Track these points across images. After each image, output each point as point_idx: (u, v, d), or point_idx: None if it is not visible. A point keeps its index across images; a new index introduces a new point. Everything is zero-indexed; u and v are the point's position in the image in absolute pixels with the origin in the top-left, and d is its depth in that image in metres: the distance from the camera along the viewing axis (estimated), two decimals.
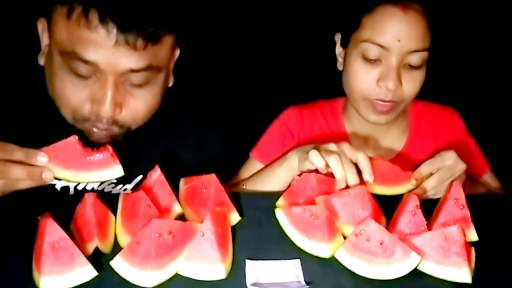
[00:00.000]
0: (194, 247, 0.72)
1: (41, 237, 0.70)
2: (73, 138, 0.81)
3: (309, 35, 1.91)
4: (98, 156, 0.80)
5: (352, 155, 0.90)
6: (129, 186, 1.05)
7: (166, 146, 1.09)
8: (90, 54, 0.83)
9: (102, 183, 1.03)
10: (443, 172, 0.91)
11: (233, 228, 0.81)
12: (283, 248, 0.79)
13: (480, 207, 0.83)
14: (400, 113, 1.10)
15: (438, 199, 0.85)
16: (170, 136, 1.10)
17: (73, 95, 0.88)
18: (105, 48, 0.83)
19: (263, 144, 1.21)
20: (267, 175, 1.03)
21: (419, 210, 0.79)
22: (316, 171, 0.90)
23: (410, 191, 0.90)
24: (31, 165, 0.78)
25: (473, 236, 0.80)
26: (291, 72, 2.07)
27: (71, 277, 0.69)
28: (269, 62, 2.07)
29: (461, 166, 0.92)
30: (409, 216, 0.79)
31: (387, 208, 0.84)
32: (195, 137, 1.13)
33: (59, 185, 0.99)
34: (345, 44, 1.10)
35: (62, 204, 0.80)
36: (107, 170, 0.80)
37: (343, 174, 0.87)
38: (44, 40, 0.93)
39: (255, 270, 0.74)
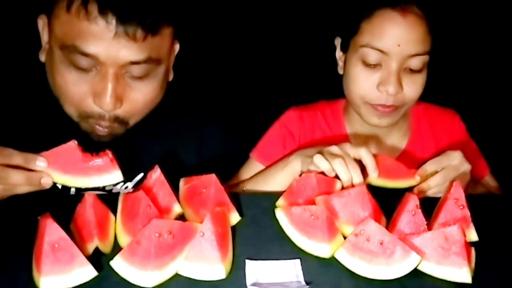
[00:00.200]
0: (194, 247, 0.72)
1: (41, 237, 0.69)
2: (73, 143, 0.81)
3: (311, 35, 1.91)
4: (98, 161, 0.80)
5: (355, 153, 0.90)
6: (130, 185, 1.06)
7: (166, 144, 1.09)
8: (90, 47, 0.84)
9: None
10: (448, 171, 0.91)
11: (233, 228, 0.81)
12: (283, 248, 0.79)
13: (480, 207, 0.83)
14: (401, 115, 1.10)
15: (438, 199, 0.85)
16: (170, 135, 1.10)
17: (74, 89, 0.89)
18: (105, 40, 0.83)
19: (264, 145, 1.21)
20: (267, 178, 1.03)
21: (419, 210, 0.79)
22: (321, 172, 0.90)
23: (413, 187, 0.90)
24: (30, 169, 0.78)
25: (473, 236, 0.80)
26: (292, 71, 2.07)
27: (71, 277, 0.69)
28: (270, 60, 2.08)
29: (466, 167, 0.92)
30: (409, 216, 0.79)
31: (387, 208, 0.84)
32: (196, 135, 1.13)
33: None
34: (345, 49, 1.10)
35: (62, 204, 0.80)
36: (106, 176, 0.80)
37: (349, 176, 0.87)
38: (45, 36, 0.94)
39: (255, 270, 0.74)
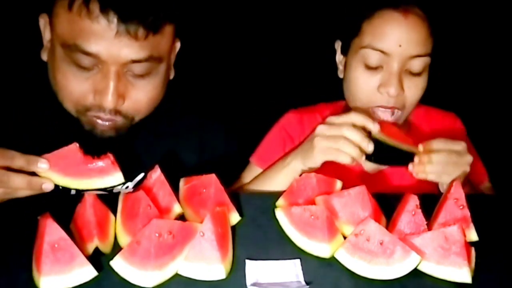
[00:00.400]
0: (194, 247, 0.72)
1: (41, 237, 0.70)
2: (74, 146, 0.81)
3: (312, 35, 1.91)
4: (99, 163, 0.80)
5: (346, 120, 0.93)
6: (130, 185, 1.06)
7: (167, 144, 1.09)
8: (92, 46, 0.84)
9: None
10: (451, 154, 0.92)
11: (233, 228, 0.81)
12: (283, 248, 0.79)
13: (480, 207, 0.83)
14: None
15: (438, 199, 0.85)
16: (171, 134, 1.10)
17: (75, 88, 0.89)
18: (106, 39, 0.84)
19: (263, 149, 1.20)
20: (267, 181, 1.03)
21: (419, 210, 0.79)
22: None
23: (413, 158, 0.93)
24: (31, 172, 0.78)
25: (473, 236, 0.80)
26: (292, 70, 2.07)
27: (71, 277, 0.69)
28: (270, 60, 2.07)
29: (468, 158, 0.93)
30: (409, 216, 0.79)
31: (387, 208, 0.84)
32: (196, 135, 1.13)
33: None
34: (345, 51, 1.09)
35: (62, 204, 0.80)
36: (107, 178, 0.81)
37: (358, 151, 0.91)
38: (46, 35, 0.94)
39: (255, 270, 0.74)
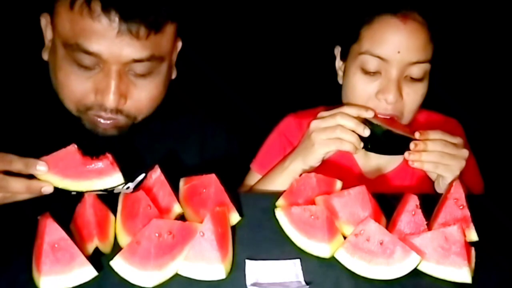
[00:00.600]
0: (194, 247, 0.72)
1: (41, 237, 0.70)
2: (72, 147, 0.81)
3: (313, 39, 1.90)
4: (98, 164, 0.80)
5: (339, 115, 0.95)
6: (131, 185, 1.06)
7: (168, 144, 1.10)
8: (93, 45, 0.84)
9: None
10: (448, 145, 0.92)
11: (233, 228, 0.81)
12: (283, 248, 0.79)
13: (480, 207, 0.83)
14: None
15: (438, 199, 0.85)
16: (172, 135, 1.10)
17: (77, 87, 0.89)
18: (108, 38, 0.84)
19: (263, 156, 1.19)
20: (268, 186, 1.03)
21: (419, 210, 0.79)
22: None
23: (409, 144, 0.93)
24: (30, 175, 0.78)
25: (473, 236, 0.79)
26: (293, 70, 2.07)
27: (71, 277, 0.69)
28: (271, 60, 2.07)
29: (464, 152, 0.93)
30: (409, 216, 0.79)
31: (387, 208, 0.84)
32: (197, 135, 1.13)
33: None
34: (344, 57, 1.08)
35: (62, 204, 0.80)
36: (107, 178, 0.81)
37: (356, 136, 0.94)
38: (48, 35, 0.94)
39: (255, 270, 0.74)
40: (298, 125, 1.19)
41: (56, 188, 0.81)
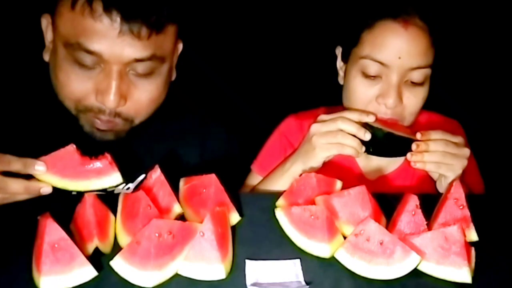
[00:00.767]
0: (194, 247, 0.72)
1: (41, 237, 0.70)
2: (71, 147, 0.81)
3: (314, 39, 1.90)
4: (97, 164, 0.80)
5: (340, 119, 0.95)
6: (131, 185, 1.06)
7: (168, 145, 1.10)
8: (94, 45, 0.84)
9: None
10: (449, 144, 0.92)
11: (233, 228, 0.81)
12: (283, 248, 0.79)
13: (480, 207, 0.83)
14: None
15: (438, 199, 0.85)
16: (172, 136, 1.10)
17: (77, 87, 0.89)
18: (109, 38, 0.84)
19: (264, 157, 1.19)
20: (268, 188, 1.03)
21: (419, 210, 0.79)
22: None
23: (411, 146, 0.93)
24: (29, 175, 0.78)
25: (473, 236, 0.79)
26: (293, 70, 2.07)
27: (71, 277, 0.69)
28: (272, 60, 2.07)
29: (466, 150, 0.93)
30: (409, 216, 0.79)
31: (387, 208, 0.84)
32: (198, 136, 1.13)
33: None
34: (345, 59, 1.08)
35: (62, 204, 0.80)
36: (105, 178, 0.81)
37: (357, 141, 0.94)
38: (48, 36, 0.94)
39: (255, 270, 0.74)
40: (299, 126, 1.19)
41: (55, 188, 0.81)
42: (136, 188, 1.02)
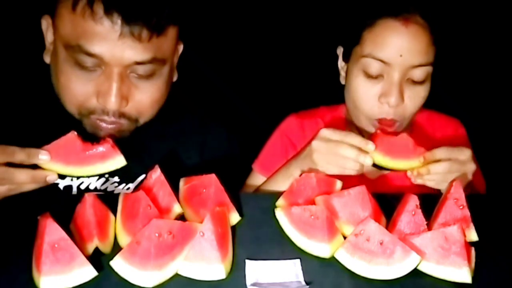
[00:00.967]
0: (194, 247, 0.72)
1: (41, 237, 0.70)
2: (72, 134, 0.81)
3: (315, 38, 1.91)
4: (99, 148, 0.81)
5: (342, 145, 0.92)
6: (131, 186, 1.06)
7: (169, 145, 1.10)
8: (95, 47, 0.84)
9: (105, 182, 1.03)
10: (453, 164, 0.90)
11: (233, 228, 0.81)
12: (283, 248, 0.79)
13: (480, 207, 0.83)
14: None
15: (438, 199, 0.85)
16: (173, 136, 1.10)
17: (78, 89, 0.89)
18: (110, 41, 0.84)
19: (265, 157, 1.19)
20: (274, 189, 1.02)
21: (419, 210, 0.79)
22: None
23: (413, 169, 0.92)
24: (33, 165, 0.78)
25: (473, 236, 0.80)
26: (294, 70, 2.07)
27: (71, 277, 0.69)
28: (273, 61, 2.08)
29: (471, 167, 0.91)
30: (409, 216, 0.79)
31: (387, 208, 0.84)
32: (198, 136, 1.13)
33: (62, 184, 0.99)
34: (347, 58, 1.08)
35: (62, 204, 0.80)
36: (109, 161, 0.81)
37: (359, 166, 0.91)
38: (49, 37, 0.94)
39: (255, 270, 0.74)
40: (300, 125, 1.19)
41: (55, 188, 0.81)
42: (136, 188, 1.02)
